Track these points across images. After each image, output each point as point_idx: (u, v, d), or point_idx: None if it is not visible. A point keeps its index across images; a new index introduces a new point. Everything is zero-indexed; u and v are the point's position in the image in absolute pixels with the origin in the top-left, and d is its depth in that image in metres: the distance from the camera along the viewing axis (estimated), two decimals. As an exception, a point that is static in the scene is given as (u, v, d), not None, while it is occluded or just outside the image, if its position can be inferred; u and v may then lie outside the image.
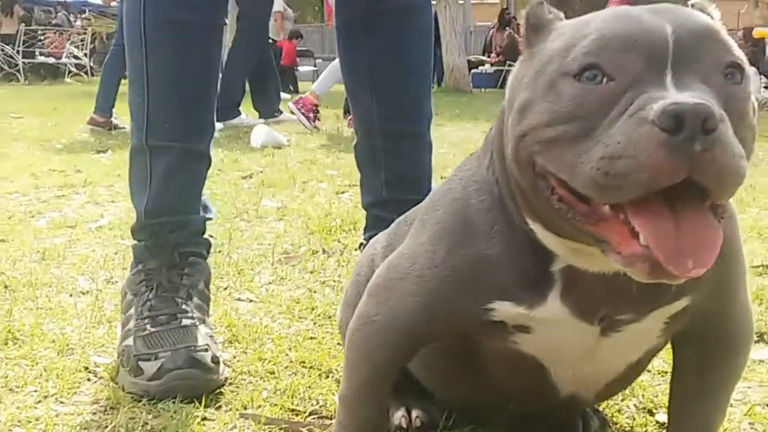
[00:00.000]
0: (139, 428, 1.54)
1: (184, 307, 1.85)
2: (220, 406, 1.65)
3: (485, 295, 1.18)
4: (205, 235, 2.05)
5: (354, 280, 1.57)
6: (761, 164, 5.24)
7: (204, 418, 1.59)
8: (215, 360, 1.73)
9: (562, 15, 1.11)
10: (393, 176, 2.22)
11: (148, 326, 1.80)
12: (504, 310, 1.18)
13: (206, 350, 1.74)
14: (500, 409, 1.48)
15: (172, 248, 1.94)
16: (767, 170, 4.98)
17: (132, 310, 1.88)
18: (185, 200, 2.00)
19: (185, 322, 1.81)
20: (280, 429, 1.54)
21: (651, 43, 0.97)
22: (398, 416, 1.54)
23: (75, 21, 21.42)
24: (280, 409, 1.64)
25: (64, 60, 18.21)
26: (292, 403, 1.66)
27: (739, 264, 1.24)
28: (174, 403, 1.64)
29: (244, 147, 6.14)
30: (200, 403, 1.63)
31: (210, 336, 1.82)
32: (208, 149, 2.02)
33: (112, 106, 7.19)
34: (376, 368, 1.32)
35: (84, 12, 21.98)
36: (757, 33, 12.89)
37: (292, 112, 7.55)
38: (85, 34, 18.77)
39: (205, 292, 1.97)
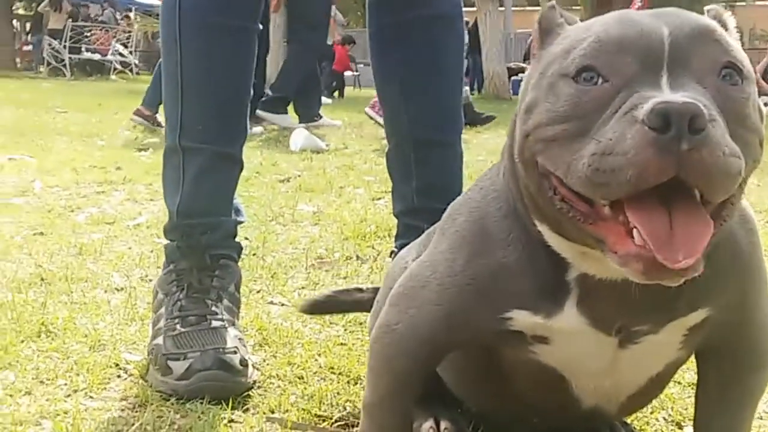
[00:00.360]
0: (166, 427, 1.54)
1: (214, 308, 1.86)
2: (247, 409, 1.65)
3: (503, 304, 1.19)
4: (237, 239, 2.06)
5: (384, 291, 1.56)
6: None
7: (231, 420, 1.60)
8: (244, 362, 1.73)
9: (575, 19, 1.13)
10: (423, 185, 2.21)
11: (178, 326, 1.81)
12: (522, 319, 1.19)
13: (235, 352, 1.74)
14: (525, 420, 1.47)
15: (203, 250, 1.95)
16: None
17: (162, 309, 1.89)
18: (216, 202, 2.01)
19: (215, 323, 1.82)
20: (305, 434, 1.54)
21: (647, 45, 1.00)
22: (426, 427, 1.53)
23: (121, 19, 21.66)
24: (308, 414, 1.64)
25: (109, 57, 18.40)
26: (320, 409, 1.66)
27: (759, 277, 1.23)
28: (202, 403, 1.64)
29: (283, 150, 6.17)
30: (227, 404, 1.64)
31: (239, 338, 1.83)
32: (240, 153, 2.03)
33: (160, 103, 7.26)
34: (397, 377, 1.32)
35: (130, 10, 22.22)
36: None
37: (370, 117, 7.52)
38: (131, 32, 18.97)
39: (235, 295, 1.97)
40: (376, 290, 1.71)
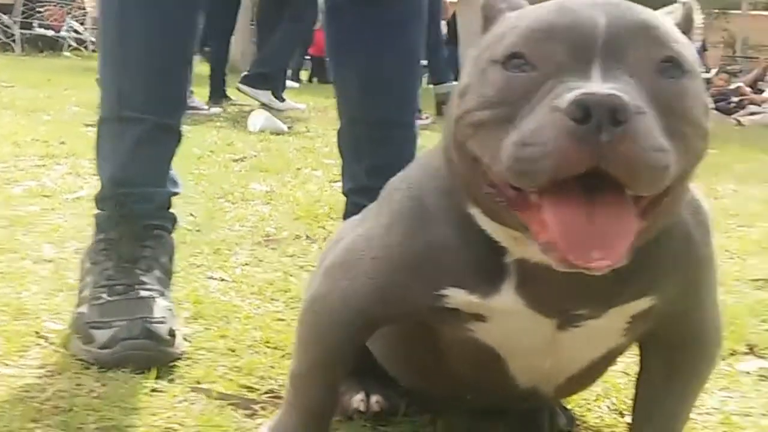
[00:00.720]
0: (84, 395, 1.47)
1: (143, 278, 1.80)
2: (172, 379, 1.58)
3: (439, 281, 1.15)
4: (171, 210, 2.00)
5: (319, 265, 1.51)
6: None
7: (154, 389, 1.52)
8: (171, 333, 1.67)
9: (522, 4, 1.10)
10: (376, 164, 2.15)
11: (104, 295, 1.75)
12: (458, 297, 1.15)
13: (162, 322, 1.67)
14: (459, 399, 1.43)
15: (136, 219, 1.89)
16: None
17: (89, 278, 1.83)
18: (153, 173, 1.96)
19: (143, 293, 1.75)
20: (231, 404, 1.48)
21: (579, 34, 0.97)
22: (357, 399, 1.49)
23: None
24: (235, 385, 1.58)
25: (63, 33, 18.06)
26: (249, 381, 1.60)
27: (708, 269, 1.21)
28: (124, 372, 1.57)
29: (241, 131, 6.07)
30: (151, 374, 1.57)
31: (168, 309, 1.76)
32: (178, 124, 1.99)
33: None
34: (327, 349, 1.28)
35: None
36: None
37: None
38: (86, 9, 18.65)
39: (167, 266, 1.91)
40: None
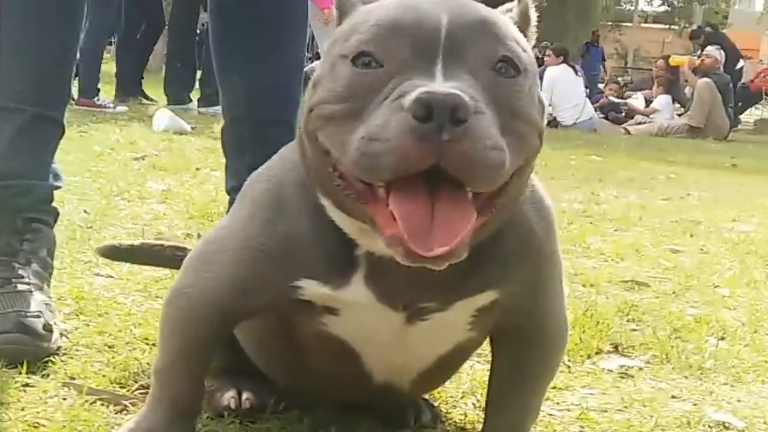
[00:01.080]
0: (-48, 390, 1.47)
1: (21, 272, 1.79)
2: (46, 374, 1.59)
3: (294, 273, 1.19)
4: (53, 204, 1.99)
5: None
6: (657, 187, 5.34)
7: (26, 384, 1.53)
8: (47, 327, 1.67)
9: None
10: (259, 162, 2.17)
11: None
12: (311, 289, 1.19)
13: (38, 317, 1.68)
14: (324, 395, 1.46)
15: (14, 212, 1.88)
16: (662, 193, 5.08)
17: None
18: (33, 165, 1.94)
19: (20, 287, 1.75)
20: (101, 400, 1.49)
21: (423, 32, 1.02)
22: (227, 397, 1.50)
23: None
24: (108, 381, 1.59)
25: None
26: (123, 377, 1.61)
27: (552, 264, 1.27)
28: (-4, 367, 1.58)
29: (144, 130, 6.03)
30: (24, 369, 1.57)
31: (46, 304, 1.76)
32: (61, 117, 1.97)
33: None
34: (190, 342, 1.30)
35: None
36: (673, 61, 13.24)
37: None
38: None
39: (47, 260, 1.90)
40: None
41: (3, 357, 1.60)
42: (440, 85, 0.97)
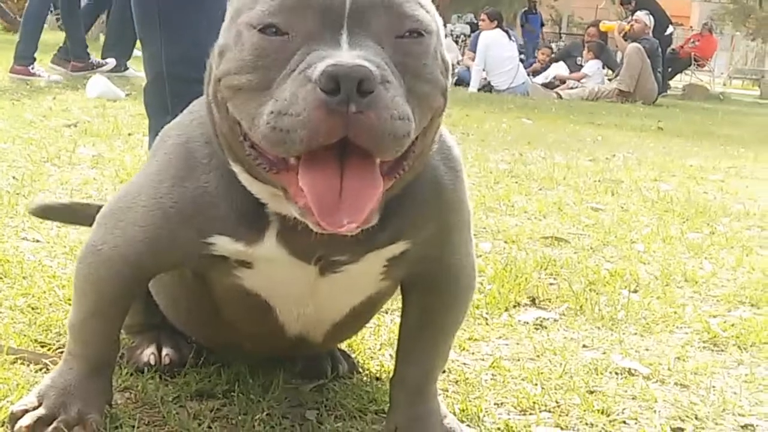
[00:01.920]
0: None
1: None
2: (-33, 335, 1.61)
3: (206, 229, 1.20)
4: None
5: None
6: (584, 149, 5.43)
7: (-59, 348, 1.55)
8: None
9: None
10: None
11: None
12: (224, 245, 1.20)
13: None
14: (239, 348, 1.50)
15: None
16: (588, 155, 5.17)
17: None
18: None
19: None
20: (21, 359, 1.51)
21: (328, 2, 1.02)
22: (148, 353, 1.54)
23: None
24: (31, 341, 1.61)
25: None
26: (46, 337, 1.64)
27: (459, 213, 1.29)
28: None
29: (78, 97, 5.96)
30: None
31: None
32: None
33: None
34: (101, 298, 1.32)
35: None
36: (603, 26, 13.37)
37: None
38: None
39: None
40: None
41: None
42: (346, 54, 0.98)
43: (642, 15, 12.59)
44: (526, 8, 17.42)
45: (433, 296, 1.33)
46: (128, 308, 1.35)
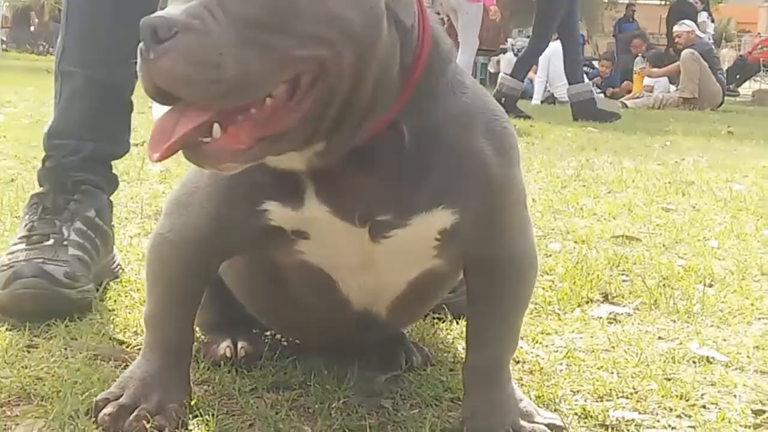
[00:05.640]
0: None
1: (62, 228, 1.84)
2: (49, 336, 1.64)
3: (257, 195, 1.23)
4: (113, 171, 2.06)
5: None
6: (652, 154, 5.37)
7: (29, 345, 1.59)
8: (70, 276, 1.72)
9: None
10: None
11: (20, 245, 1.80)
12: (276, 211, 1.23)
13: (61, 265, 1.72)
14: (308, 333, 1.54)
15: (63, 172, 1.94)
16: (657, 159, 5.11)
17: (16, 232, 1.88)
18: (85, 126, 1.98)
19: (52, 241, 1.79)
20: (101, 357, 1.55)
21: None
22: (224, 346, 1.55)
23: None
24: (109, 339, 1.64)
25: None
26: (124, 336, 1.67)
27: (508, 191, 1.28)
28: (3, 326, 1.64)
29: (143, 119, 6.03)
30: (26, 331, 1.63)
31: (79, 258, 1.80)
32: (116, 79, 1.98)
33: None
34: (172, 285, 1.34)
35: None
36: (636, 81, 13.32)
37: None
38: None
39: (95, 221, 1.93)
40: None
41: (23, 302, 1.66)
42: (172, 6, 1.04)
43: (678, 27, 12.41)
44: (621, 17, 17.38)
45: (492, 278, 1.33)
46: (200, 295, 1.37)
